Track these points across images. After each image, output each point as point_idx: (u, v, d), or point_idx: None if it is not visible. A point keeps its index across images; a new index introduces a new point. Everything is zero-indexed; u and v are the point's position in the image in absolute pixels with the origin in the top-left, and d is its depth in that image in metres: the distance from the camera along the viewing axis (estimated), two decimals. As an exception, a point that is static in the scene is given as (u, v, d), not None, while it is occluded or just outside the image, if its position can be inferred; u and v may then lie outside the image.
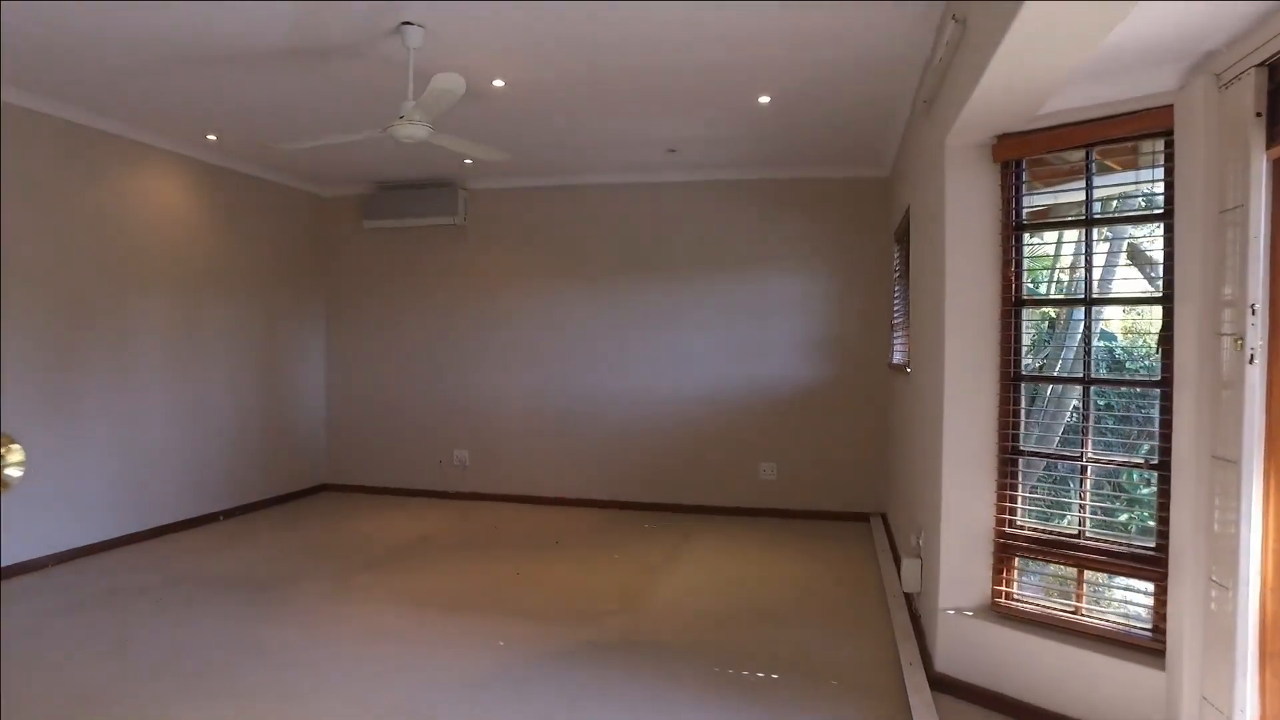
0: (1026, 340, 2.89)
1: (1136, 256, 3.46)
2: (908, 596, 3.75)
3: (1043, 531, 2.75)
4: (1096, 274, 2.80)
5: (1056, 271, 3.37)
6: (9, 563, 4.36)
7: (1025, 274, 2.84)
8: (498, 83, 4.01)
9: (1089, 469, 2.63)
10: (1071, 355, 4.23)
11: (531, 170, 6.07)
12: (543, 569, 4.57)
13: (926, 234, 3.48)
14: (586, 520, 5.86)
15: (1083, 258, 2.71)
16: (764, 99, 4.22)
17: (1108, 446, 2.71)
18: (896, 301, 5.23)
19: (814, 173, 5.84)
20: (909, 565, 3.48)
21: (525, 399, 6.45)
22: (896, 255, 5.26)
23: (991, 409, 2.84)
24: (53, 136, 4.54)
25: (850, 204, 5.82)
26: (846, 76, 3.87)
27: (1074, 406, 4.41)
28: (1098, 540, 2.61)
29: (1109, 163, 2.71)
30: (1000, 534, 2.82)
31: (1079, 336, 4.44)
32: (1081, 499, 2.66)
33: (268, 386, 6.29)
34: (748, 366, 5.99)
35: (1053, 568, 2.78)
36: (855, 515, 5.82)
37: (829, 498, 5.88)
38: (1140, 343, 3.54)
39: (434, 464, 6.67)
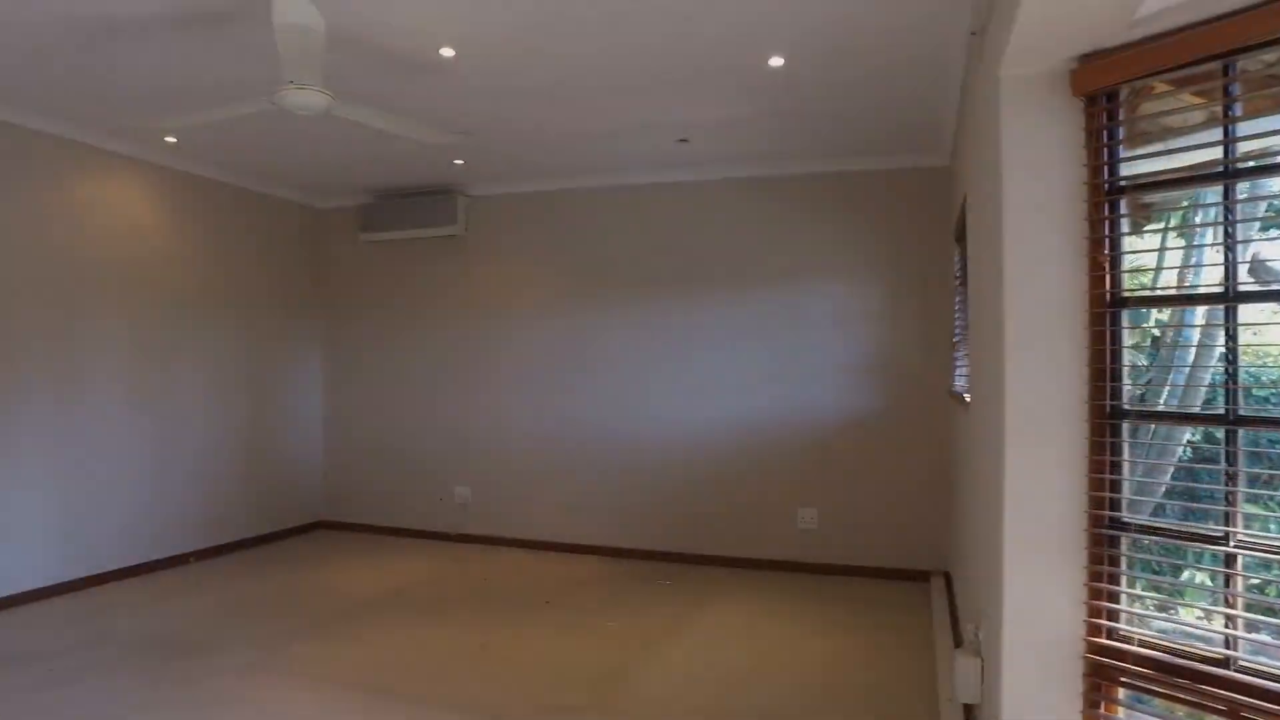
0: (1131, 358, 1.96)
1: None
2: (966, 708, 2.80)
3: (1165, 649, 1.82)
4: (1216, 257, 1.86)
5: (1167, 256, 2.41)
6: (-79, 614, 3.84)
7: (1125, 259, 1.93)
8: (446, 51, 3.31)
9: (1238, 558, 1.69)
10: (1184, 380, 3.23)
11: (533, 172, 5.37)
12: (517, 638, 3.78)
13: (982, 213, 2.58)
14: (594, 572, 5.05)
15: (1219, 230, 1.79)
16: (776, 60, 3.39)
17: (1265, 524, 1.76)
18: (957, 314, 4.29)
19: (857, 164, 4.95)
20: (965, 666, 2.55)
21: (532, 430, 5.70)
22: (957, 259, 4.32)
23: (1075, 458, 1.93)
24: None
25: (902, 200, 4.90)
26: (877, 25, 3.03)
27: (1180, 455, 3.40)
28: (1262, 672, 1.66)
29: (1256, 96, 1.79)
30: (1094, 646, 1.89)
31: (1202, 353, 3.44)
32: (1230, 604, 1.72)
33: (254, 415, 5.73)
34: (782, 394, 5.10)
35: (1184, 711, 1.83)
36: (911, 574, 4.83)
37: (879, 551, 4.91)
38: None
39: (434, 502, 5.99)
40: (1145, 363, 3.33)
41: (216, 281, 5.43)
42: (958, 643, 3.38)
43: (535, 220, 5.71)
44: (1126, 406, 1.93)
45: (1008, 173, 2.00)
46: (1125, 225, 1.94)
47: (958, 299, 4.28)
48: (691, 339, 5.31)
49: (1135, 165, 1.91)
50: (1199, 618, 2.24)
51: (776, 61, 3.40)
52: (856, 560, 4.95)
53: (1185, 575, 2.49)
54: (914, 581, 4.78)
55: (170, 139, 4.65)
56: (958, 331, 4.27)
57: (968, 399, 3.27)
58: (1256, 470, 1.97)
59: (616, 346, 5.49)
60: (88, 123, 4.35)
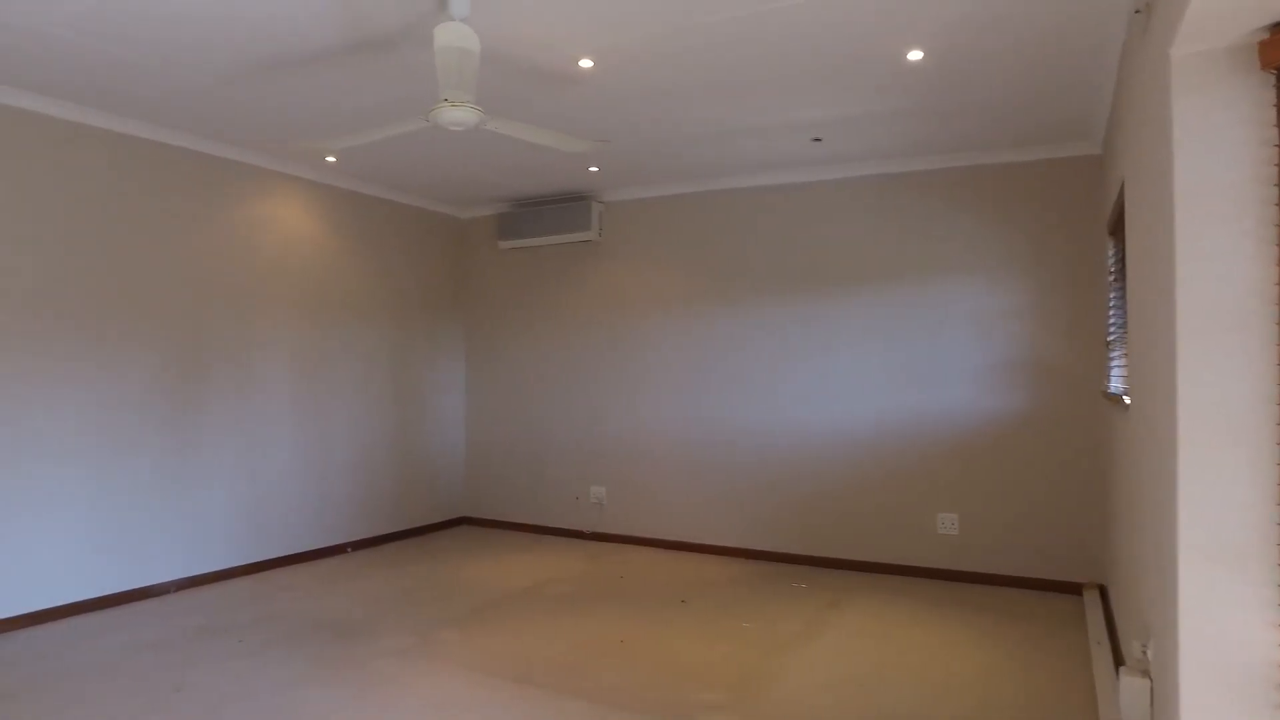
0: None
1: None
2: (1130, 727, 2.63)
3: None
4: None
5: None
6: (130, 587, 4.34)
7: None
8: (585, 63, 3.43)
9: None
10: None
11: (666, 177, 5.46)
12: (653, 635, 3.85)
13: (1145, 203, 2.42)
14: (728, 573, 5.06)
15: None
16: (914, 54, 3.30)
17: None
18: (1112, 312, 4.02)
19: (997, 156, 4.73)
20: (1132, 687, 2.40)
21: (666, 431, 5.79)
22: (1111, 252, 4.05)
23: (1263, 461, 1.79)
24: (169, 165, 4.56)
25: (1047, 192, 4.65)
26: (1025, 10, 2.89)
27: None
28: None
29: None
30: (1285, 669, 1.74)
31: None
32: None
33: (402, 415, 6.11)
34: (920, 395, 4.94)
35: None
36: (1060, 585, 4.57)
37: (1027, 560, 4.67)
38: None
39: (570, 500, 6.18)
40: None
41: (369, 289, 5.83)
42: (1119, 661, 3.18)
43: (668, 224, 5.80)
44: (1323, 409, 1.77)
45: (1180, 157, 1.88)
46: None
47: (1112, 295, 4.01)
48: (826, 340, 5.23)
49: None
50: None
51: (915, 55, 3.31)
52: (1001, 569, 4.73)
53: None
54: (1064, 593, 4.52)
55: (331, 158, 5.04)
56: (1112, 330, 4.01)
57: (1127, 401, 3.07)
58: None
59: (750, 348, 5.48)
60: (260, 147, 4.78)
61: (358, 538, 5.70)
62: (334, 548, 5.51)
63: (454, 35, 2.41)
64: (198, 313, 4.69)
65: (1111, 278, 4.06)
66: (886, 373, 5.05)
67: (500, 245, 6.26)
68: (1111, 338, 4.04)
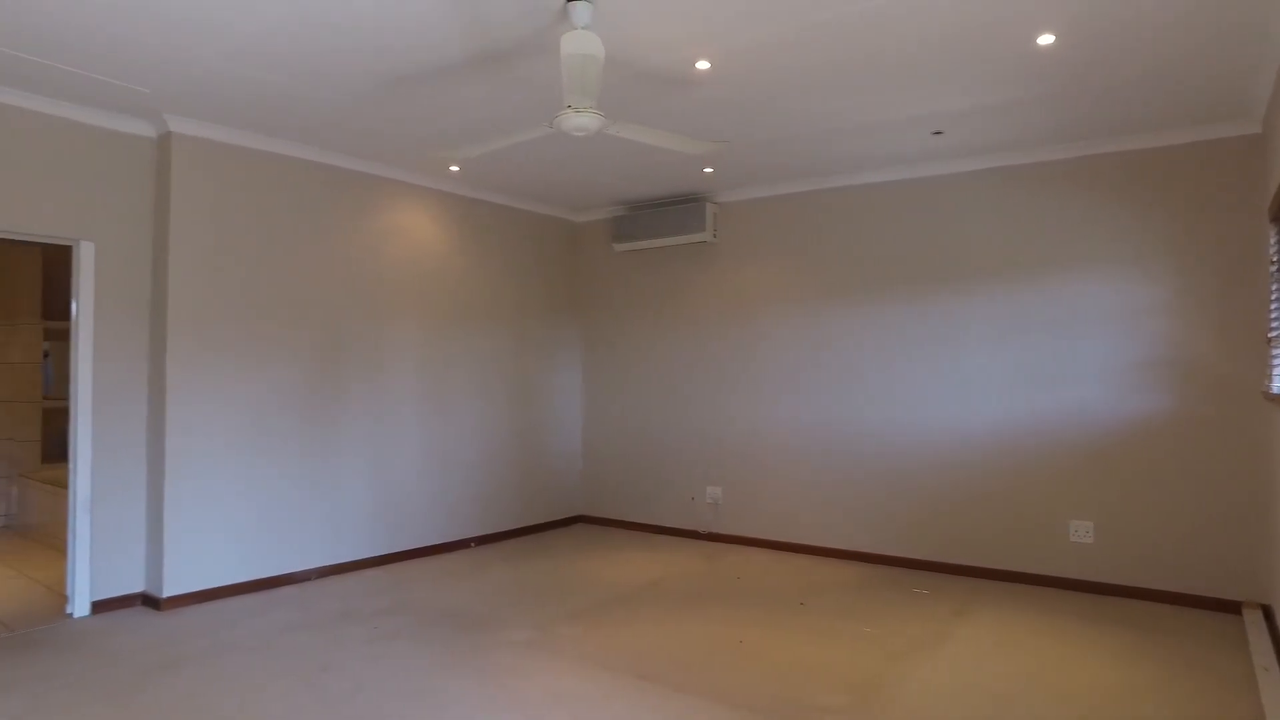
0: None
1: None
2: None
3: None
4: None
5: None
6: (277, 573, 4.68)
7: None
8: (702, 64, 3.45)
9: None
10: None
11: (780, 176, 5.41)
12: (771, 637, 3.82)
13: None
14: (845, 576, 4.96)
15: None
16: (1045, 38, 3.15)
17: None
18: (1275, 306, 3.70)
19: (1134, 141, 4.44)
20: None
21: (782, 432, 5.74)
22: (1274, 240, 3.73)
23: None
24: (311, 180, 4.89)
25: (1195, 177, 4.32)
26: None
27: None
28: None
29: None
30: None
31: None
32: None
33: (521, 415, 6.31)
34: (1048, 395, 4.70)
35: None
36: (1213, 602, 4.23)
37: (1175, 574, 4.35)
38: None
39: (685, 501, 6.21)
40: None
41: (489, 293, 6.05)
42: (1287, 684, 2.92)
43: (783, 223, 5.75)
44: None
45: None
46: None
47: (1275, 286, 3.69)
48: (946, 338, 5.05)
49: None
50: None
51: (1046, 39, 3.16)
52: (1142, 581, 4.43)
53: None
54: (1218, 611, 4.20)
55: (454, 168, 5.27)
56: (1275, 326, 3.68)
57: (1297, 402, 2.82)
58: None
59: (869, 348, 5.36)
60: (390, 160, 5.06)
61: (480, 533, 5.92)
62: (457, 542, 5.75)
63: (580, 43, 2.48)
64: (336, 318, 5.00)
65: (1275, 268, 3.74)
66: (1011, 371, 4.82)
67: (615, 248, 6.36)
68: (1274, 334, 3.72)
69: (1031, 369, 4.76)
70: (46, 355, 6.61)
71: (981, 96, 3.84)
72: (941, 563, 5.04)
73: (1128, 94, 3.79)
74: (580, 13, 2.81)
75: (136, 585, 4.31)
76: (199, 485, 4.35)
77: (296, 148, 4.73)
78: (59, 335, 6.61)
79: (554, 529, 6.52)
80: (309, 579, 4.83)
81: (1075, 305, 4.64)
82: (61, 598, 4.37)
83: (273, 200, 4.68)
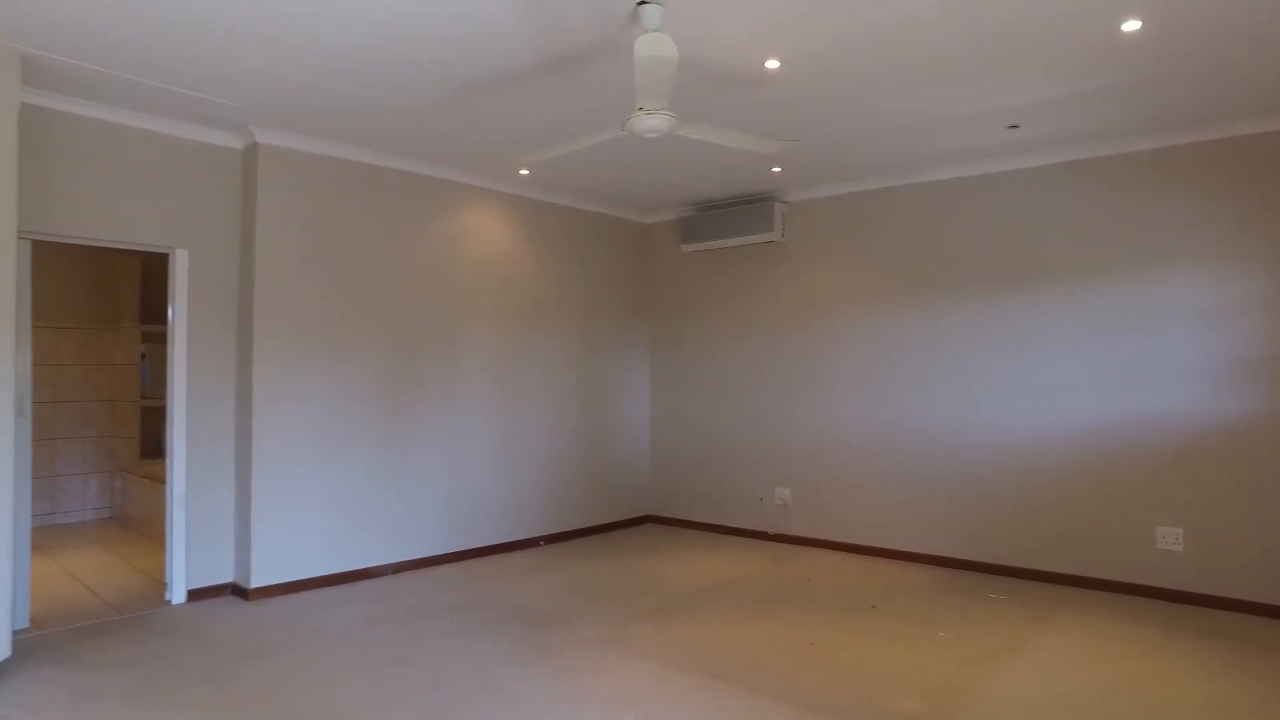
0: None
1: None
2: None
3: None
4: None
5: None
6: (356, 567, 4.84)
7: None
8: (771, 63, 3.44)
9: None
10: None
11: (850, 174, 5.34)
12: (843, 639, 3.78)
13: None
14: (918, 580, 4.87)
15: None
16: (1131, 24, 3.03)
17: None
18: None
19: (1223, 130, 4.23)
20: None
21: (853, 433, 5.66)
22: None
23: None
24: (388, 186, 5.05)
25: (1301, 167, 4.10)
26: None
27: None
28: None
29: None
30: None
31: None
32: None
33: (590, 416, 6.38)
34: (1133, 397, 4.52)
35: None
36: (1322, 615, 4.01)
37: (1269, 584, 4.13)
38: None
39: (754, 501, 6.19)
40: None
41: (558, 295, 6.14)
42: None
43: (853, 222, 5.67)
44: None
45: None
46: None
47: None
48: (1025, 338, 4.91)
49: None
50: None
51: (1132, 25, 3.05)
52: (1234, 592, 4.23)
53: None
54: (1326, 625, 3.97)
55: (524, 172, 5.37)
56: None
57: None
58: None
59: (941, 347, 5.25)
60: (461, 165, 5.19)
61: (549, 532, 6.01)
62: (527, 541, 5.84)
63: (654, 45, 2.51)
64: (412, 320, 5.15)
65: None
66: (1093, 371, 4.65)
67: (683, 248, 6.38)
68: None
69: (1114, 368, 4.59)
70: (144, 357, 6.99)
71: (1062, 87, 3.72)
72: (1017, 568, 4.90)
73: (1218, 82, 3.62)
74: (651, 15, 2.83)
75: (226, 576, 4.52)
76: (283, 482, 4.53)
77: (374, 155, 4.90)
78: (153, 338, 6.98)
79: (622, 528, 6.57)
80: (385, 574, 4.98)
81: (1160, 302, 4.45)
82: (160, 585, 4.62)
83: (351, 206, 4.85)
